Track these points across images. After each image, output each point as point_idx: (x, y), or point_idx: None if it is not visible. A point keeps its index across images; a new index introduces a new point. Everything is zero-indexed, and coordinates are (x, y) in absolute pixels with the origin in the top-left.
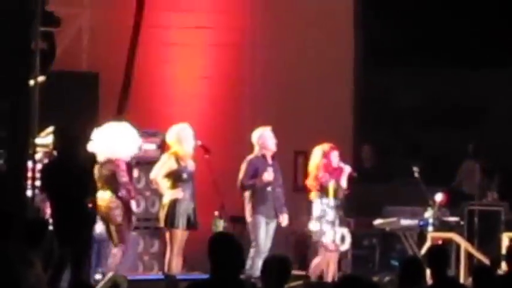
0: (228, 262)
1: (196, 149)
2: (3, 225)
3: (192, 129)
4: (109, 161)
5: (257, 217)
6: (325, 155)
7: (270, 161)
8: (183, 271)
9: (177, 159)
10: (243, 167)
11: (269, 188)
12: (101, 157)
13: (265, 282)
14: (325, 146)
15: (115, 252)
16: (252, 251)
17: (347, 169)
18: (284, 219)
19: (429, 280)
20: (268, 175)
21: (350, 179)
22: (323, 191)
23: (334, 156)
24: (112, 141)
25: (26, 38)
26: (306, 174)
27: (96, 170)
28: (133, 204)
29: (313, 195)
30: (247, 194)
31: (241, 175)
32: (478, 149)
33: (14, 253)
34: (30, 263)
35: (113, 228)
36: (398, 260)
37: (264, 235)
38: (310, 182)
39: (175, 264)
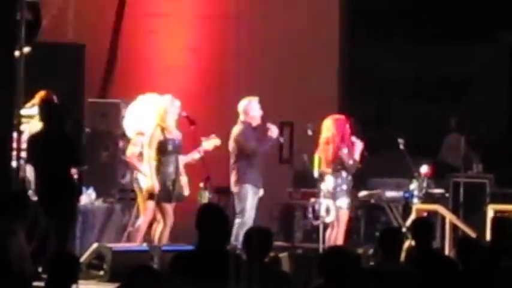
0: (215, 233)
1: (181, 121)
2: None
3: (177, 100)
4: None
5: (245, 186)
6: (342, 124)
7: (255, 129)
8: (168, 242)
9: (163, 130)
10: (240, 136)
11: (256, 159)
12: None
13: (248, 254)
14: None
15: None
16: (236, 221)
17: (359, 145)
18: (260, 191)
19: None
20: (275, 129)
21: (362, 156)
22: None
23: (348, 128)
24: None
25: (11, 8)
26: (291, 146)
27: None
28: None
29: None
30: (234, 164)
31: (241, 144)
32: (462, 122)
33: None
34: (12, 233)
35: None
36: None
37: (250, 205)
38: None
39: (165, 237)
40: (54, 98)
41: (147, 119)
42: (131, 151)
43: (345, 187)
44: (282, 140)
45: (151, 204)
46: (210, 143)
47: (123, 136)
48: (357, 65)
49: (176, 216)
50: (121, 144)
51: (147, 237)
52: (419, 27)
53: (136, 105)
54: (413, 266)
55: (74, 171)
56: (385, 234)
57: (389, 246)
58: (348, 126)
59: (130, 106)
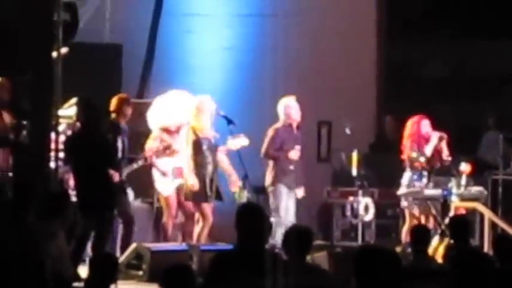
0: (255, 233)
1: (219, 120)
2: (23, 197)
3: (212, 101)
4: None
5: (279, 186)
6: (413, 124)
7: (295, 130)
8: (206, 241)
9: (195, 131)
10: (269, 135)
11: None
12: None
13: (288, 253)
14: (415, 117)
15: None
16: (272, 220)
17: (434, 137)
18: (299, 192)
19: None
20: (295, 154)
21: (448, 144)
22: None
23: (424, 125)
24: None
25: (48, 10)
26: (329, 145)
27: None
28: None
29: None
30: (270, 162)
31: (266, 144)
32: (501, 120)
33: (35, 225)
34: (52, 235)
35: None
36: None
37: (285, 204)
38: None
39: (204, 236)
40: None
41: (173, 114)
42: (150, 145)
43: (417, 183)
44: (291, 167)
45: (173, 199)
46: (236, 142)
47: None
48: (395, 63)
49: (216, 215)
50: None
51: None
52: (457, 25)
53: (163, 100)
54: (452, 264)
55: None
56: (414, 233)
57: (418, 244)
58: (421, 124)
59: (156, 100)
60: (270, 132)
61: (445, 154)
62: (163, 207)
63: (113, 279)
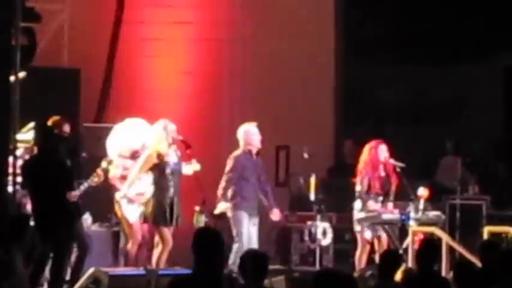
0: (211, 257)
1: (177, 144)
2: None
3: (172, 124)
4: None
5: (239, 213)
6: (371, 149)
7: (254, 157)
8: (165, 266)
9: (158, 155)
10: (230, 163)
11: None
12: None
13: (244, 278)
14: (372, 142)
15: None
16: (235, 246)
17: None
18: (275, 214)
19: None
20: (276, 216)
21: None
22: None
23: (381, 150)
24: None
25: (6, 34)
26: (287, 169)
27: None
28: None
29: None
30: (230, 190)
31: (228, 170)
32: (458, 144)
33: None
34: (11, 259)
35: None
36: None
37: (246, 230)
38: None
39: (163, 261)
40: (66, 126)
41: (131, 142)
42: (113, 173)
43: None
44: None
45: (137, 226)
46: (190, 168)
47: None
48: (353, 88)
49: (174, 240)
50: None
51: (144, 261)
52: (413, 51)
53: (120, 127)
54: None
55: (74, 194)
56: (386, 257)
57: (388, 268)
58: (378, 149)
59: (114, 128)
60: (230, 161)
61: (397, 166)
62: (127, 234)
63: None
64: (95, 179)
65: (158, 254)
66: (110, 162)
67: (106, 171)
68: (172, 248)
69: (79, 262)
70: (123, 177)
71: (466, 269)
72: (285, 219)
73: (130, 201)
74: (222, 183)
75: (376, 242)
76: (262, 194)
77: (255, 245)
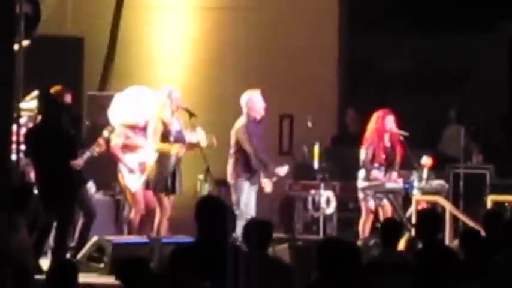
0: (215, 225)
1: (181, 112)
2: None
3: (176, 91)
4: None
5: (240, 180)
6: (378, 119)
7: (257, 124)
8: (168, 234)
9: (163, 122)
10: (244, 137)
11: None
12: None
13: (248, 246)
14: (380, 112)
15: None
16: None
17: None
18: (267, 186)
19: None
20: (283, 171)
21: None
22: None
23: (388, 121)
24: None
25: (9, 2)
26: (291, 138)
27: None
28: None
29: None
30: (233, 154)
31: (248, 144)
32: (462, 113)
33: None
34: (14, 227)
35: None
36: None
37: (246, 199)
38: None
39: (164, 228)
40: (68, 96)
41: (139, 111)
42: (114, 142)
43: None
44: (274, 179)
45: (140, 195)
46: (193, 136)
47: None
48: (357, 57)
49: (177, 208)
50: None
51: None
52: (418, 20)
53: (123, 96)
54: (417, 257)
55: (78, 162)
56: (387, 226)
57: (390, 238)
58: (386, 119)
59: (116, 97)
60: (245, 135)
61: (401, 134)
62: (129, 203)
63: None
64: (96, 148)
65: (157, 221)
66: (111, 131)
67: (108, 140)
68: (176, 216)
69: (85, 229)
70: (125, 146)
71: (473, 236)
72: (288, 187)
73: (131, 171)
74: (252, 159)
75: (380, 210)
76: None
77: (252, 211)
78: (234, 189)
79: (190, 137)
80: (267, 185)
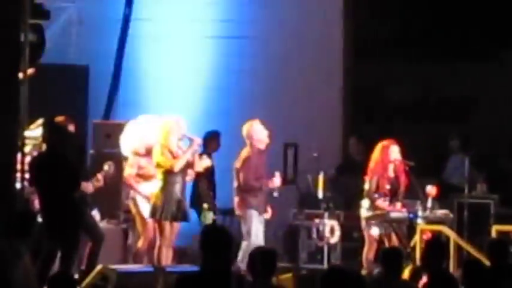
0: (219, 254)
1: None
2: None
3: (182, 120)
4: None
5: (249, 210)
6: (383, 148)
7: (262, 154)
8: (173, 263)
9: (168, 150)
10: (245, 166)
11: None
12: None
13: (252, 275)
14: (385, 142)
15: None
16: (244, 244)
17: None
18: (267, 213)
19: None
20: (277, 181)
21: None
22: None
23: (393, 151)
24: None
25: (15, 30)
26: (295, 167)
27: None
28: None
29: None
30: (237, 187)
31: (243, 178)
32: (465, 142)
33: (2, 244)
34: (18, 255)
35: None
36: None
37: (256, 228)
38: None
39: (164, 256)
40: (71, 126)
41: (145, 139)
42: (128, 172)
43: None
44: (275, 194)
45: (151, 224)
46: (201, 164)
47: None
48: (361, 86)
49: (182, 237)
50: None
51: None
52: (422, 48)
53: (134, 124)
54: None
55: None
56: (387, 254)
57: (392, 266)
58: (390, 150)
59: (128, 125)
60: (245, 162)
61: (406, 164)
62: (139, 231)
63: None
64: (95, 183)
65: (156, 250)
66: (110, 166)
67: (106, 176)
68: (181, 245)
69: (93, 254)
70: (139, 176)
71: (475, 267)
72: (293, 217)
73: (147, 199)
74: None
75: (385, 240)
76: None
77: (261, 242)
78: (244, 219)
79: (197, 165)
80: (275, 181)
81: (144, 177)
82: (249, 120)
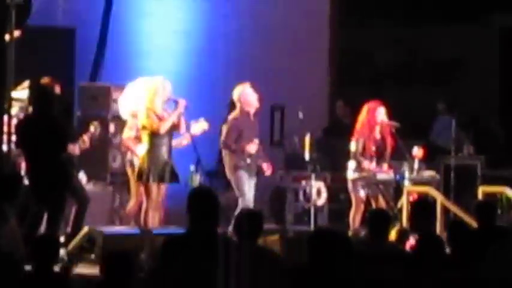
0: (206, 217)
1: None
2: None
3: (167, 82)
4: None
5: (239, 172)
6: (369, 110)
7: (252, 118)
8: (160, 225)
9: (154, 112)
10: (226, 127)
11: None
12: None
13: (238, 237)
14: (371, 103)
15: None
16: (239, 206)
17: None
18: (268, 169)
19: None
20: (253, 148)
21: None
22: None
23: (379, 113)
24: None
25: None
26: (282, 129)
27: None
28: None
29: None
30: (227, 152)
31: (224, 134)
32: (452, 104)
33: None
34: (5, 217)
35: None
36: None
37: (248, 188)
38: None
39: (151, 218)
40: (56, 87)
41: (142, 101)
42: (127, 134)
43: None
44: (248, 161)
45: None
46: (198, 126)
47: (114, 119)
48: (348, 49)
49: (169, 199)
50: (112, 127)
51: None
52: (409, 11)
53: (131, 87)
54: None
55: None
56: (374, 215)
57: (379, 228)
58: (377, 111)
59: (125, 88)
60: (229, 123)
61: (392, 126)
62: (132, 193)
63: (55, 261)
64: (81, 145)
65: (143, 212)
66: (96, 127)
67: (92, 137)
68: (168, 207)
69: (79, 216)
70: (137, 138)
71: (460, 228)
72: (279, 178)
73: None
74: (221, 143)
75: (373, 201)
76: None
77: (251, 205)
78: (235, 182)
79: (194, 128)
80: (267, 169)
81: (141, 139)
82: (239, 83)
